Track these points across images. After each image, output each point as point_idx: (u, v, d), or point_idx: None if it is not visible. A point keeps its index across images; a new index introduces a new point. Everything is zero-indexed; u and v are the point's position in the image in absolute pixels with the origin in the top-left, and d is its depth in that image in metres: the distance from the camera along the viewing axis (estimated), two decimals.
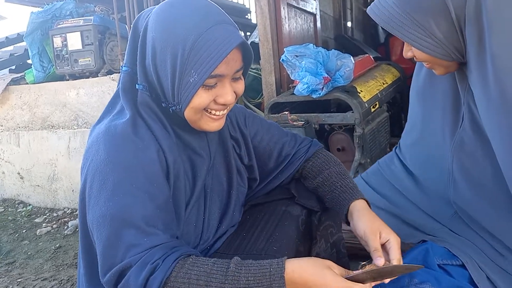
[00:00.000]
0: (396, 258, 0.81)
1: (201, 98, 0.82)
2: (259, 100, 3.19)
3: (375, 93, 2.37)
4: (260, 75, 2.79)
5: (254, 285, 0.72)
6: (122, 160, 0.79)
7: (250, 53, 0.87)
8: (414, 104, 1.24)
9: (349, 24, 4.70)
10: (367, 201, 0.98)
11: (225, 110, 0.89)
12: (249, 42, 3.81)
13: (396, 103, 2.92)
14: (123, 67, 0.89)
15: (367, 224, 0.88)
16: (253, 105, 3.32)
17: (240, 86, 0.88)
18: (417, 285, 0.84)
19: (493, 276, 0.91)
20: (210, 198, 0.97)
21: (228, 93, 0.84)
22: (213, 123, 0.88)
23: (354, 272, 0.77)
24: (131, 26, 0.88)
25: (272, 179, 1.10)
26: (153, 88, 0.86)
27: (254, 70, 3.25)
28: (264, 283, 0.72)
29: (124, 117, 0.85)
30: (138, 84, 0.86)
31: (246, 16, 5.04)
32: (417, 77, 1.20)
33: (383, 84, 2.52)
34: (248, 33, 4.64)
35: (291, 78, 2.29)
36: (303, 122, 2.23)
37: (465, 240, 0.99)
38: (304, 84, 2.18)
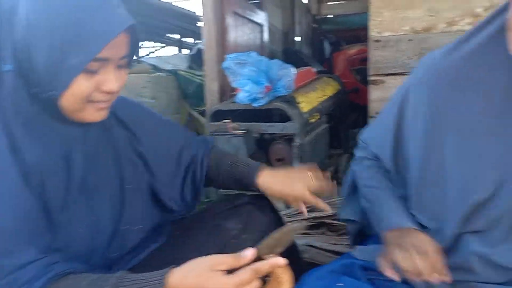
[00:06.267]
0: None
1: (82, 86, 0.72)
2: (204, 108, 3.14)
3: (315, 105, 2.41)
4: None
5: None
6: None
7: (137, 41, 0.80)
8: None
9: (297, 38, 4.81)
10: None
11: (110, 101, 0.81)
12: (196, 48, 3.77)
13: (335, 115, 3.00)
14: None
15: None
16: (198, 113, 3.26)
17: (124, 76, 0.80)
18: None
19: None
20: (96, 196, 0.85)
21: (113, 79, 0.75)
22: (97, 113, 0.79)
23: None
24: None
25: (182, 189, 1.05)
26: (21, 70, 0.72)
27: (198, 77, 3.20)
28: None
29: None
30: (3, 65, 0.72)
31: (197, 24, 5.01)
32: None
33: (323, 96, 2.58)
34: (198, 41, 4.60)
35: (233, 85, 2.28)
36: (243, 131, 2.21)
37: None
38: (246, 92, 2.16)
